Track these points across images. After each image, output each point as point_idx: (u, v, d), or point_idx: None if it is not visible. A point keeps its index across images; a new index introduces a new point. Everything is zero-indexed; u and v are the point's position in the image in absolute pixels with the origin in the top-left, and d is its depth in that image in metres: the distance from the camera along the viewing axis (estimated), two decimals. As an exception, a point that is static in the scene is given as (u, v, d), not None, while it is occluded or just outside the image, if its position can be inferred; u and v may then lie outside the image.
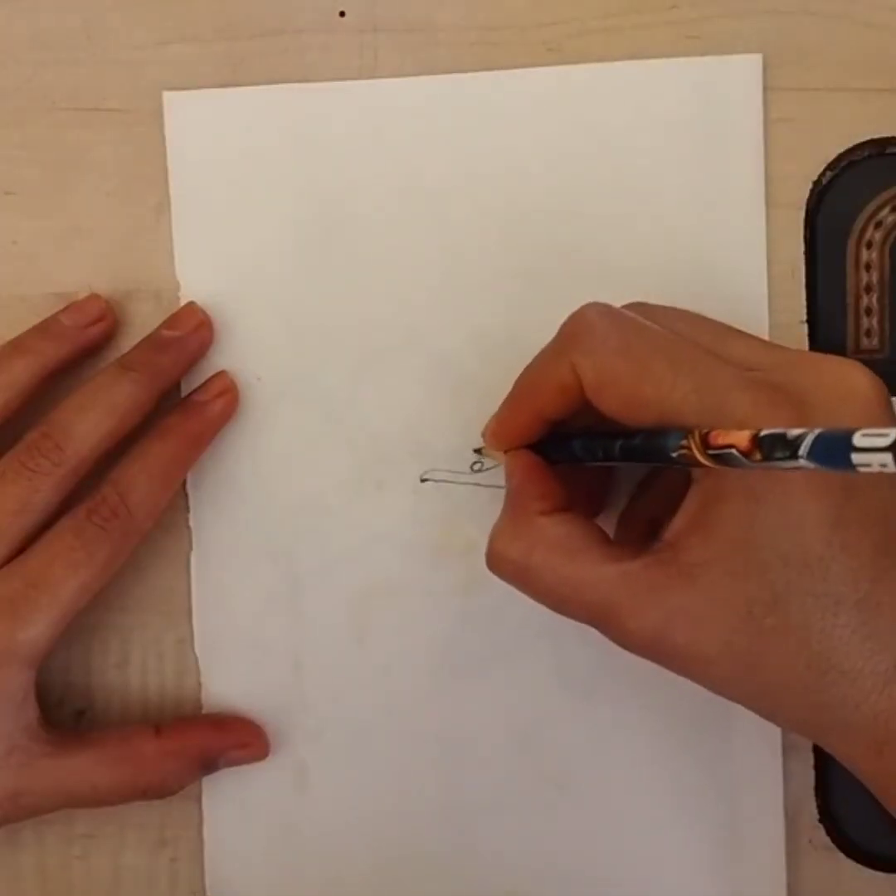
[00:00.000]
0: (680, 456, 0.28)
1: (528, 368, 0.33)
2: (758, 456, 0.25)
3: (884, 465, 0.22)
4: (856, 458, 0.22)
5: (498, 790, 0.38)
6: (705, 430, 0.28)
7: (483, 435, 0.35)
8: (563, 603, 0.31)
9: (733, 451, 0.26)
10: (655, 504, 0.36)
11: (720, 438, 0.27)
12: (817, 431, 0.24)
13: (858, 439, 0.22)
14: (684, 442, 0.28)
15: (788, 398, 0.29)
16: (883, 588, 0.28)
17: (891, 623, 0.28)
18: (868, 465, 0.22)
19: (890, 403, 0.30)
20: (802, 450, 0.24)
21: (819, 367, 0.30)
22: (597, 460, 0.32)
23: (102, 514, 0.34)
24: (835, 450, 0.23)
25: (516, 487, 0.33)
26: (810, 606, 0.28)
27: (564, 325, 0.32)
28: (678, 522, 0.30)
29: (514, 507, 0.33)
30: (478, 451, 0.37)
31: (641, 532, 0.36)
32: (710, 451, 0.27)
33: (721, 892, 0.38)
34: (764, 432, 0.25)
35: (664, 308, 0.33)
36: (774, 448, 0.25)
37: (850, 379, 0.30)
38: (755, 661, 0.29)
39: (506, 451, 0.34)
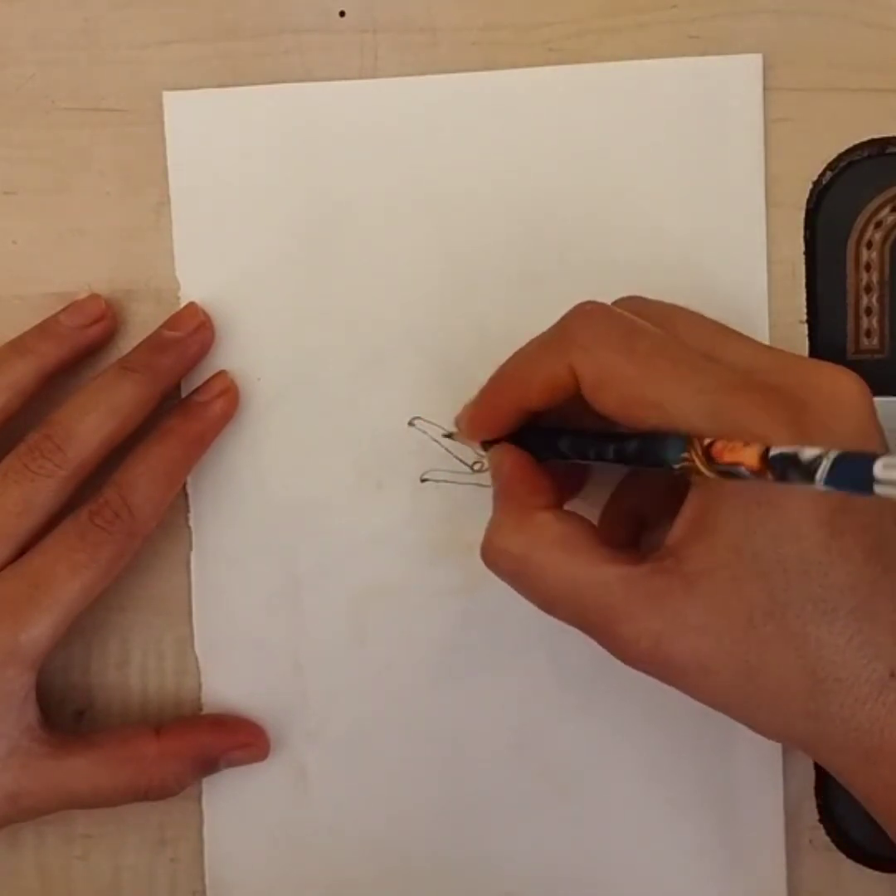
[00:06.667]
0: (682, 468, 0.28)
1: (516, 360, 0.33)
2: (769, 477, 0.26)
3: None
4: (879, 489, 0.23)
5: (497, 790, 0.38)
6: (707, 442, 0.28)
7: (457, 423, 0.35)
8: (558, 602, 0.31)
9: (742, 468, 0.27)
10: (642, 501, 0.36)
11: (727, 455, 0.27)
12: (833, 456, 0.24)
13: (880, 471, 0.23)
14: (686, 454, 0.28)
15: (786, 401, 0.29)
16: (878, 595, 0.28)
17: (886, 630, 0.28)
18: (891, 495, 0.23)
19: (875, 409, 0.30)
20: (820, 474, 0.25)
21: (814, 372, 0.31)
22: (586, 459, 0.32)
23: (105, 515, 0.34)
24: (855, 478, 0.24)
25: (507, 484, 0.33)
26: (808, 613, 0.28)
27: (563, 321, 0.32)
28: (679, 529, 0.30)
29: (508, 502, 0.32)
30: (448, 435, 0.36)
31: (629, 530, 0.36)
32: (717, 467, 0.27)
33: (721, 892, 0.38)
34: (773, 452, 0.26)
35: (660, 304, 0.33)
36: (787, 470, 0.25)
37: (843, 385, 0.30)
38: (754, 670, 0.29)
39: (482, 443, 0.34)
